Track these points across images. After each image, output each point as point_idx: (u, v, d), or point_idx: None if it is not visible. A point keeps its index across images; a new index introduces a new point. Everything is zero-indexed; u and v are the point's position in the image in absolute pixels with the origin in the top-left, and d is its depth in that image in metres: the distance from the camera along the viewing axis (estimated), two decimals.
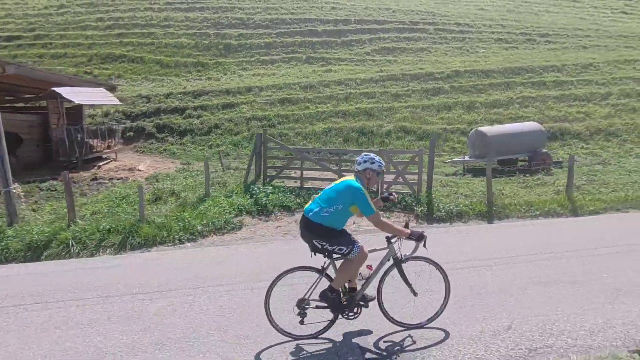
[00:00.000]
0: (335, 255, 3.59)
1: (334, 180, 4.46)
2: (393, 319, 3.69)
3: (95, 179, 9.84)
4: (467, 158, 11.17)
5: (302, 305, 3.65)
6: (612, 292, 4.13)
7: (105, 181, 9.70)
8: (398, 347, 3.44)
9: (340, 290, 3.65)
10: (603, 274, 4.59)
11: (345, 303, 3.65)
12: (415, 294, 3.69)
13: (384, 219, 3.63)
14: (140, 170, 10.88)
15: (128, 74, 20.83)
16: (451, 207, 7.18)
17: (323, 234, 3.54)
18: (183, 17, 25.90)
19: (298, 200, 8.05)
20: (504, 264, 5.09)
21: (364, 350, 3.45)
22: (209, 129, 14.99)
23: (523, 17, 27.43)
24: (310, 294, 3.63)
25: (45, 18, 26.40)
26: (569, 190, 7.64)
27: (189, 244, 6.63)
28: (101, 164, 11.75)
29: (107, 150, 12.95)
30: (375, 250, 3.68)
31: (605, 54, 20.24)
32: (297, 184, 8.75)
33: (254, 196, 7.96)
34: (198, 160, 12.58)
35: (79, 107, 13.76)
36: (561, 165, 11.27)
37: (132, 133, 15.13)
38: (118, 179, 9.95)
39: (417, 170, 8.02)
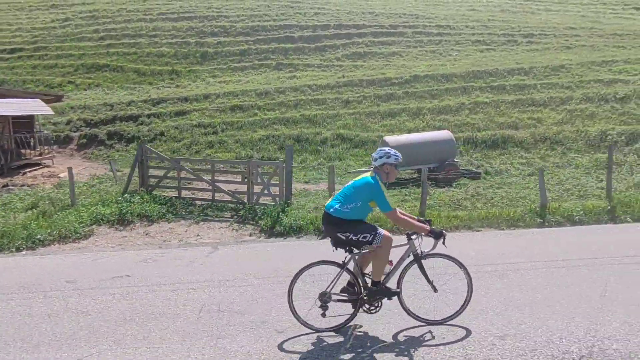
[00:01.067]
0: (358, 247, 3.70)
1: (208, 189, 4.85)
2: (413, 314, 3.76)
3: (6, 185, 10.41)
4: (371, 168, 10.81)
5: (324, 298, 3.76)
6: None
7: (15, 188, 10.23)
8: (417, 341, 3.52)
9: (381, 282, 3.71)
10: None
11: (365, 298, 3.73)
12: (435, 290, 3.74)
13: (403, 216, 3.72)
14: (59, 177, 11.39)
15: (107, 83, 21.85)
16: (290, 222, 6.99)
17: (345, 225, 3.67)
18: (170, 27, 26.84)
19: (163, 210, 8.15)
20: (273, 282, 4.94)
21: (383, 342, 3.53)
22: (154, 136, 15.42)
23: (515, 17, 26.20)
24: (332, 287, 3.75)
25: (48, 31, 28.21)
26: (422, 207, 7.22)
27: (24, 252, 6.89)
28: (27, 170, 12.43)
29: (38, 157, 13.65)
30: (395, 246, 3.75)
31: (588, 54, 18.93)
32: (182, 193, 8.83)
33: (119, 205, 8.13)
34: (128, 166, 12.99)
35: (31, 117, 14.64)
36: (479, 175, 10.66)
37: (84, 140, 15.86)
38: (29, 186, 10.47)
39: (289, 182, 7.88)
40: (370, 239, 3.63)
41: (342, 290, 3.77)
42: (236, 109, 16.79)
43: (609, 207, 6.99)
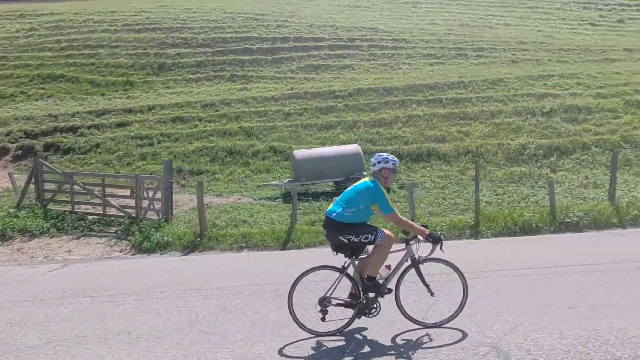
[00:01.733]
0: (359, 249, 3.82)
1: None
2: (411, 317, 3.89)
3: None
4: (284, 182, 10.87)
5: (324, 303, 3.87)
6: None
7: None
8: (415, 344, 3.63)
9: (377, 278, 3.83)
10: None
11: (364, 302, 3.83)
12: (432, 294, 3.88)
13: (403, 218, 3.88)
14: None
15: (60, 93, 21.77)
16: (158, 238, 7.00)
17: (347, 228, 3.79)
18: (132, 38, 26.90)
19: (47, 225, 8.09)
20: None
21: (382, 346, 3.66)
22: (90, 148, 15.36)
23: (472, 31, 26.72)
24: (332, 292, 3.85)
25: (10, 41, 28.09)
26: (292, 222, 7.25)
27: None
28: None
29: None
30: (393, 251, 3.88)
31: (531, 68, 19.34)
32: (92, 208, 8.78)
33: (2, 220, 8.06)
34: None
35: None
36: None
37: (20, 152, 15.74)
38: None
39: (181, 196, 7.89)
40: (372, 238, 3.77)
41: (363, 288, 3.85)
42: (177, 120, 16.82)
43: (472, 222, 7.11)
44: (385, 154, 4.02)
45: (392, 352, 3.51)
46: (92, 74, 23.33)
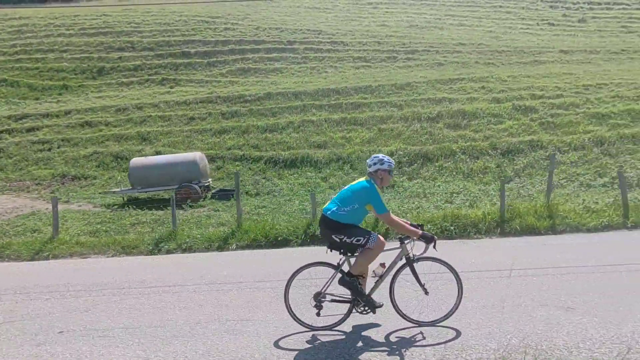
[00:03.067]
0: (352, 249, 3.92)
1: None
2: (406, 315, 3.96)
3: None
4: (124, 189, 11.03)
5: (319, 298, 3.99)
6: None
7: None
8: (409, 342, 3.68)
9: (357, 277, 3.92)
10: None
11: (359, 299, 3.92)
12: (427, 292, 3.95)
13: (397, 218, 3.97)
14: None
15: None
16: None
17: (340, 228, 3.88)
18: (83, 42, 27.43)
19: None
20: None
21: (375, 342, 3.72)
22: None
23: (419, 33, 26.42)
24: (327, 288, 3.98)
25: None
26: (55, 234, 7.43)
27: None
28: None
29: None
30: (388, 250, 3.98)
31: (452, 71, 19.07)
32: None
33: None
34: None
35: None
36: (231, 196, 10.88)
37: None
38: None
39: None
40: (363, 242, 3.85)
41: (340, 282, 3.93)
42: (86, 125, 17.15)
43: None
44: (381, 155, 4.10)
45: (385, 349, 3.58)
46: (33, 79, 23.88)
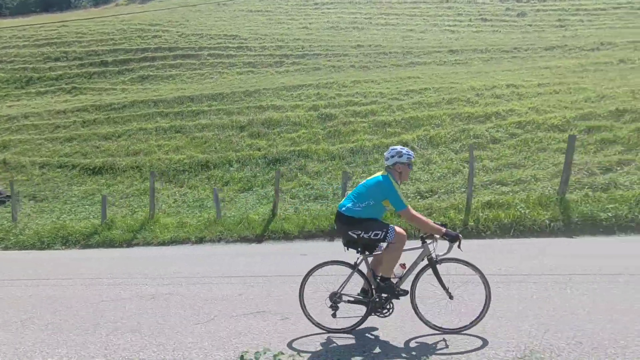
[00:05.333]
0: (370, 246, 3.71)
1: None
2: (427, 321, 3.65)
3: None
4: None
5: (334, 299, 3.78)
6: None
7: None
8: (430, 350, 3.39)
9: (391, 277, 3.71)
10: None
11: (377, 301, 3.70)
12: (451, 297, 3.64)
13: (418, 214, 3.67)
14: None
15: None
16: None
17: (356, 224, 3.67)
18: (28, 53, 29.74)
19: None
20: None
21: (394, 348, 3.47)
22: None
23: (333, 35, 26.37)
24: (343, 288, 3.77)
25: None
26: None
27: None
28: None
29: None
30: (409, 249, 3.72)
31: (324, 75, 19.10)
32: None
33: None
34: None
35: None
36: (5, 202, 11.99)
37: None
38: None
39: None
40: (382, 236, 3.61)
41: (377, 290, 3.73)
42: None
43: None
44: (399, 147, 3.81)
45: (404, 355, 3.31)
46: None
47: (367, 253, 3.73)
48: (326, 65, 20.89)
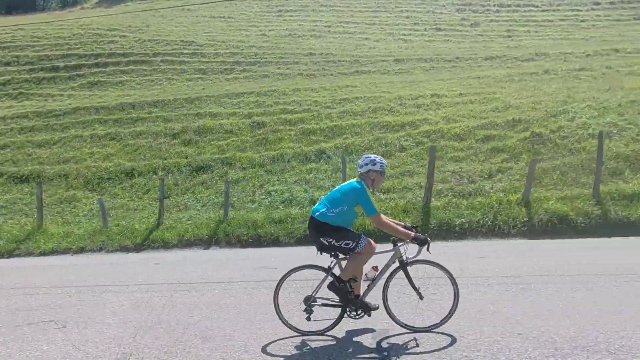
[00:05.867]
0: (341, 252, 3.85)
1: None
2: (399, 321, 3.83)
3: None
4: None
5: (309, 302, 3.91)
6: None
7: None
8: (401, 349, 3.57)
9: (347, 282, 3.81)
10: None
11: (351, 303, 3.82)
12: (421, 297, 3.81)
13: (387, 220, 3.80)
14: None
15: None
16: None
17: (329, 231, 3.78)
18: None
19: None
20: None
21: (367, 348, 3.63)
22: None
23: (289, 43, 26.68)
24: (317, 291, 3.90)
25: None
26: None
27: None
28: None
29: None
30: (380, 252, 3.87)
31: (247, 83, 19.35)
32: None
33: None
34: None
35: None
36: None
37: None
38: None
39: None
40: (352, 245, 3.74)
41: (330, 287, 3.84)
42: None
43: None
44: (373, 156, 3.96)
45: (376, 355, 3.48)
46: None
47: (340, 257, 3.89)
48: (274, 73, 21.11)
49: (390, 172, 9.60)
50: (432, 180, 7.60)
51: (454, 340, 3.54)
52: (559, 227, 7.14)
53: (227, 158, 12.43)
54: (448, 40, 26.80)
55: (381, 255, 3.79)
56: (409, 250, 3.77)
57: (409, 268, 3.78)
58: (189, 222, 9.00)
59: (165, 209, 10.12)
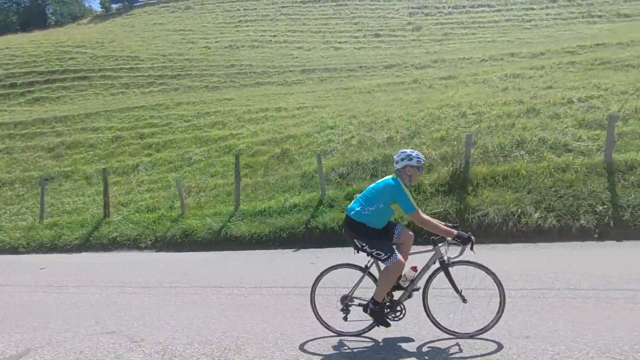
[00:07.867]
0: (373, 259, 3.78)
1: None
2: (441, 325, 3.68)
3: None
4: None
5: (346, 302, 3.87)
6: None
7: None
8: (443, 355, 3.39)
9: (384, 302, 3.75)
10: None
11: (388, 310, 3.77)
12: (464, 300, 3.65)
13: (428, 217, 3.70)
14: None
15: None
16: None
17: (364, 235, 3.73)
18: None
19: None
20: None
21: (405, 353, 3.47)
22: None
23: (233, 54, 27.75)
24: (354, 291, 3.87)
25: None
26: None
27: None
28: None
29: None
30: (420, 252, 3.76)
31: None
32: None
33: None
34: None
35: None
36: None
37: None
38: None
39: None
40: (383, 257, 3.66)
41: (365, 309, 3.80)
42: None
43: None
44: (409, 151, 3.84)
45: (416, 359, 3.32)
46: None
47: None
48: (185, 85, 22.33)
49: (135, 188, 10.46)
50: (107, 197, 8.54)
51: (499, 347, 3.34)
52: None
53: (66, 171, 13.76)
54: (378, 47, 26.97)
55: (421, 255, 3.64)
56: (450, 251, 3.62)
57: (450, 269, 3.62)
58: None
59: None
